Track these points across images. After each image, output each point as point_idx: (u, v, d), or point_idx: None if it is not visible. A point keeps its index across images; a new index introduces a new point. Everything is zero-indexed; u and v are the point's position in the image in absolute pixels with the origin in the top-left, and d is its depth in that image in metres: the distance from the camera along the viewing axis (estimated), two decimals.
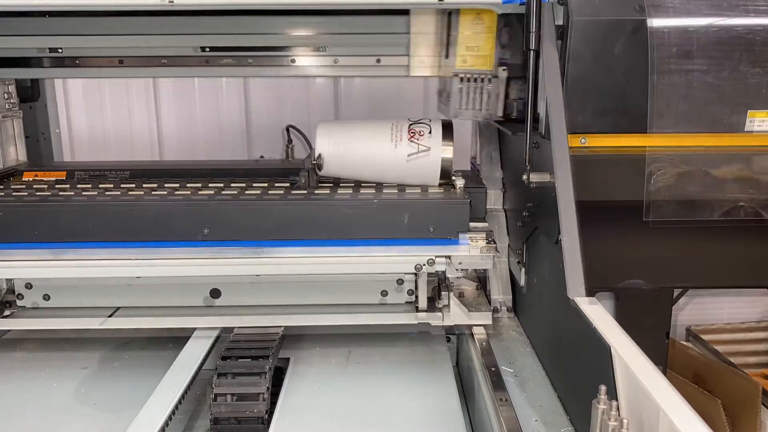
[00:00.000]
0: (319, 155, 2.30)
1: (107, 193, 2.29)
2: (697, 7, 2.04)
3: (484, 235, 2.16)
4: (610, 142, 2.07)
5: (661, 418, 1.19)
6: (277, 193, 2.28)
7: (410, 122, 2.34)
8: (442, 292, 2.24)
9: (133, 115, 4.08)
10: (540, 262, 2.13)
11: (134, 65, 2.42)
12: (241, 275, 2.22)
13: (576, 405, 1.72)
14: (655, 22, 2.01)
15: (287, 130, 3.27)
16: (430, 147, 2.28)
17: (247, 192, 2.30)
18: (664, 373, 2.23)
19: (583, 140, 2.05)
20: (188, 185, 2.37)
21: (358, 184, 2.37)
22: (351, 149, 2.31)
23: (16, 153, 2.81)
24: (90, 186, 2.40)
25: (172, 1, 2.06)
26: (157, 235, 2.13)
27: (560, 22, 2.05)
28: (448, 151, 2.30)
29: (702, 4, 2.05)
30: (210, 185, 2.37)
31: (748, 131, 2.07)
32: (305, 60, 2.43)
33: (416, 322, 2.23)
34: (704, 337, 3.26)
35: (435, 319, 2.23)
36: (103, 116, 4.09)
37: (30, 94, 2.88)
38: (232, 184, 2.39)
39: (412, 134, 2.29)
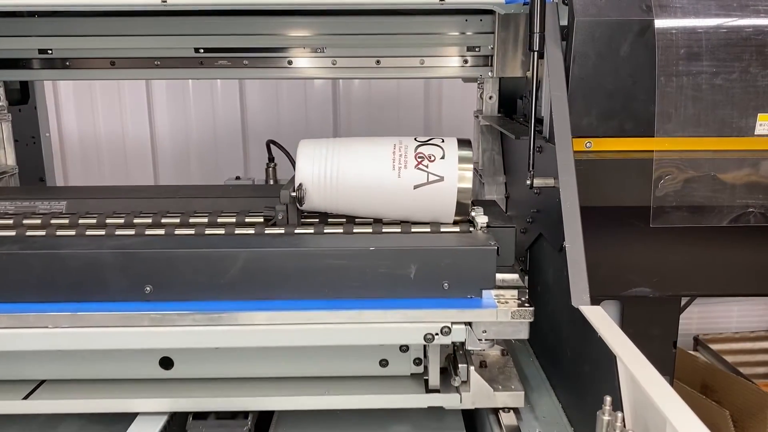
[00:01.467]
0: (300, 184, 1.83)
1: (27, 234, 1.83)
2: (704, 7, 2.03)
3: (515, 293, 1.69)
4: (616, 146, 2.06)
5: (668, 428, 1.17)
6: (246, 234, 1.82)
7: (418, 142, 1.88)
8: (460, 365, 1.72)
9: (126, 117, 4.07)
10: (543, 268, 2.08)
11: (127, 67, 2.40)
12: (194, 348, 1.74)
13: (580, 415, 1.69)
14: (662, 23, 1.98)
15: (268, 146, 2.81)
16: (444, 175, 1.82)
17: (206, 233, 1.82)
18: (671, 383, 2.20)
19: (588, 144, 2.03)
20: (135, 221, 1.89)
21: (351, 221, 1.92)
22: (341, 177, 1.84)
23: (5, 157, 2.75)
24: (12, 222, 1.91)
25: (165, 1, 2.02)
26: (83, 294, 1.67)
27: (565, 23, 2.02)
28: (466, 180, 1.82)
29: (710, 4, 2.02)
30: (162, 221, 1.90)
31: (757, 135, 2.04)
32: (303, 61, 2.40)
33: (426, 406, 1.78)
34: (712, 346, 3.23)
35: (451, 402, 1.75)
36: (94, 119, 4.07)
37: (19, 97, 2.84)
38: (191, 220, 1.91)
39: (420, 158, 1.83)
